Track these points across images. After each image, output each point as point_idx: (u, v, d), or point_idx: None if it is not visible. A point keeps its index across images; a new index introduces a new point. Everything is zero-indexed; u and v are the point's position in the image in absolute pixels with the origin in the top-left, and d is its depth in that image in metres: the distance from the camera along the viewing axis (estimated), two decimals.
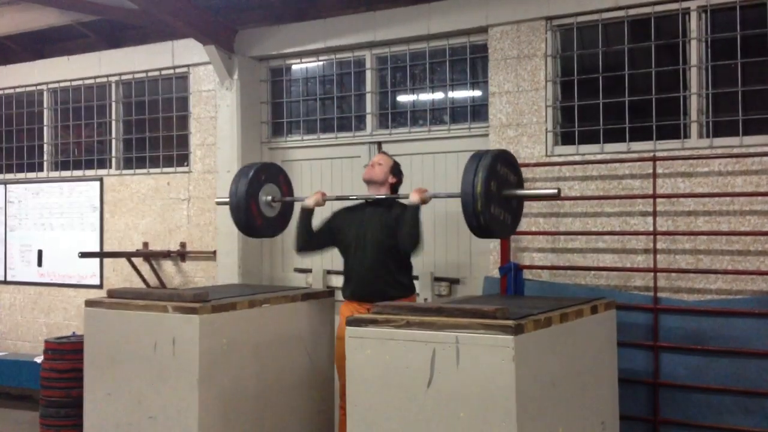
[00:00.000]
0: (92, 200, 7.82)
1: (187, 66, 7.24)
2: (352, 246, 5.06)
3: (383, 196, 5.08)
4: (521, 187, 4.62)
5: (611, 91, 5.47)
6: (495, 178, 4.26)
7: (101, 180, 7.78)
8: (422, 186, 5.23)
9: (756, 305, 4.87)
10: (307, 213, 5.21)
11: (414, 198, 4.83)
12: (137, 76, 7.57)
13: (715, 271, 5.01)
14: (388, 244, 4.93)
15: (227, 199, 5.37)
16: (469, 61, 6.10)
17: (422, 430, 3.56)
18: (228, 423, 4.51)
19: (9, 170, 8.48)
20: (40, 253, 8.17)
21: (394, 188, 5.20)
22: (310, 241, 5.23)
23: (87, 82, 7.87)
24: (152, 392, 4.46)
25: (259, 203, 5.36)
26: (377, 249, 4.94)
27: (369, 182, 5.18)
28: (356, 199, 5.22)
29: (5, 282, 8.40)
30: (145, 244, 7.42)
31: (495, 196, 4.26)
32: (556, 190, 4.47)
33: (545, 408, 3.67)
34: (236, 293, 4.97)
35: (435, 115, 6.29)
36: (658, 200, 5.17)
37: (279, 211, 5.52)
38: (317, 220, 5.29)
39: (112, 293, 4.85)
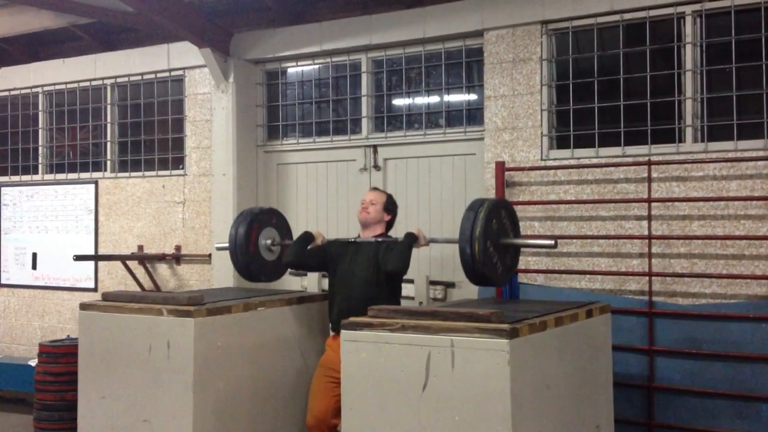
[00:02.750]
0: (87, 203, 7.81)
1: (183, 69, 7.24)
2: (342, 280, 4.95)
3: (379, 240, 4.97)
4: (518, 232, 4.62)
5: (606, 95, 5.48)
6: (492, 230, 4.26)
7: (96, 183, 7.77)
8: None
9: (750, 309, 4.88)
10: (307, 236, 5.15)
11: (414, 231, 4.84)
12: (132, 78, 7.56)
13: (710, 275, 5.02)
14: (376, 279, 4.84)
15: (227, 245, 5.31)
16: (465, 65, 6.11)
17: None
18: (222, 426, 4.50)
19: (4, 173, 8.46)
20: (34, 255, 8.15)
21: (389, 225, 5.15)
22: (301, 258, 5.09)
23: (82, 84, 7.86)
24: (147, 395, 4.45)
25: (259, 248, 5.31)
26: (368, 286, 4.83)
27: (364, 225, 5.10)
28: (354, 240, 5.11)
29: (0, 285, 8.38)
30: (140, 247, 7.41)
31: (492, 248, 4.26)
32: (552, 242, 4.45)
33: (540, 411, 3.67)
34: (231, 296, 4.96)
35: (431, 118, 6.30)
36: (653, 204, 5.18)
37: (278, 255, 5.43)
38: None
39: (106, 296, 4.84)
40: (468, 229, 4.16)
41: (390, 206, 5.13)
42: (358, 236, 5.13)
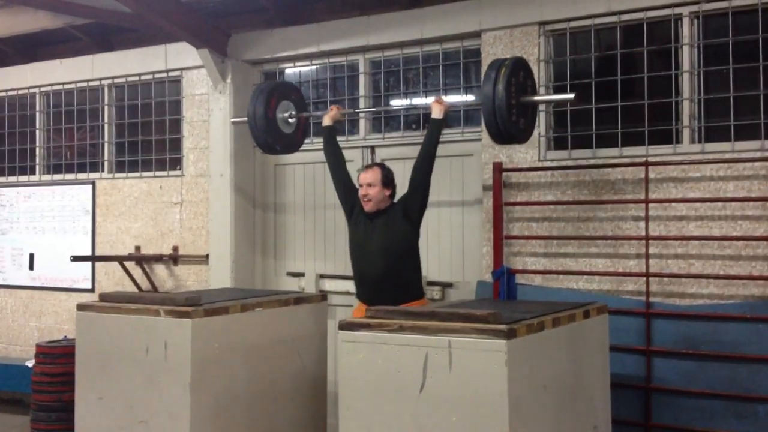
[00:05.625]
0: (84, 204, 7.80)
1: (180, 69, 7.23)
2: (362, 248, 5.09)
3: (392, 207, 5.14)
4: (535, 90, 4.96)
5: (604, 97, 5.48)
6: (513, 86, 4.61)
7: (93, 183, 7.76)
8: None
9: (747, 310, 4.89)
10: (329, 130, 5.47)
11: (436, 112, 5.07)
12: (130, 79, 7.56)
13: (707, 276, 5.03)
14: (396, 248, 4.98)
15: (245, 119, 5.63)
16: (463, 66, 6.11)
17: None
18: (220, 427, 4.49)
19: (1, 173, 8.46)
20: (31, 256, 8.14)
21: (392, 195, 5.19)
22: (337, 154, 5.43)
23: (80, 85, 7.85)
24: (144, 396, 4.44)
25: (278, 121, 5.61)
26: (387, 255, 4.96)
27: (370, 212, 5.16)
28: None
29: None
30: (138, 248, 7.40)
31: (513, 105, 4.62)
32: (572, 95, 4.91)
33: (537, 412, 3.67)
34: (229, 297, 4.95)
35: (428, 119, 6.28)
36: (651, 205, 5.18)
37: (296, 127, 5.77)
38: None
39: (104, 297, 4.83)
40: (490, 88, 4.52)
41: (387, 179, 5.15)
42: None
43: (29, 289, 8.13)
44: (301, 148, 6.76)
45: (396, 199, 5.17)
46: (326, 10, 6.64)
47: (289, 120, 5.71)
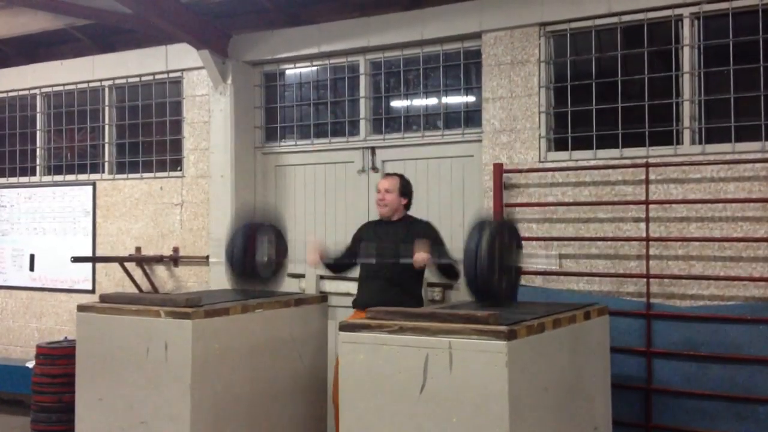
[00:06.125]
0: (85, 205, 7.80)
1: (181, 71, 7.23)
2: (372, 267, 5.17)
3: (405, 222, 5.21)
4: (520, 250, 4.67)
5: (604, 98, 5.48)
6: (497, 250, 4.29)
7: (94, 184, 7.76)
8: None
9: (748, 311, 4.89)
10: (327, 265, 5.38)
11: (419, 261, 4.91)
12: (131, 80, 7.56)
13: (708, 277, 5.02)
14: (406, 275, 5.05)
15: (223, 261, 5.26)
16: (463, 67, 6.11)
17: None
18: (220, 428, 4.49)
19: (1, 174, 8.45)
20: (32, 257, 8.14)
21: (407, 206, 5.31)
22: (342, 267, 5.40)
23: (80, 86, 7.85)
24: (144, 397, 4.44)
25: (256, 265, 5.21)
26: (393, 265, 5.03)
27: (385, 217, 5.27)
28: (381, 220, 5.30)
29: None
30: (138, 249, 7.40)
31: (496, 269, 4.29)
32: (556, 267, 4.65)
33: (538, 413, 3.67)
34: (229, 298, 4.95)
35: (428, 120, 6.30)
36: (651, 206, 5.18)
37: (274, 271, 5.37)
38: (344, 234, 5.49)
39: (104, 298, 4.83)
40: (473, 250, 4.19)
41: (405, 189, 5.28)
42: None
43: (30, 290, 8.13)
44: (302, 150, 6.80)
45: (413, 215, 5.32)
46: (327, 11, 6.64)
47: (268, 265, 5.29)
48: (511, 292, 4.61)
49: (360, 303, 5.19)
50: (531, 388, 3.60)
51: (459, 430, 3.46)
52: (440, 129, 6.20)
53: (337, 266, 5.41)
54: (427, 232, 5.15)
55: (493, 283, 4.27)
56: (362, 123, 6.51)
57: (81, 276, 7.75)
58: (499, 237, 4.33)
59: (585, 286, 5.43)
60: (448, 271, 5.00)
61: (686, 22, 5.22)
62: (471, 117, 6.09)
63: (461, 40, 6.05)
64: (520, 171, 5.61)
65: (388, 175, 5.48)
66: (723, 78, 5.12)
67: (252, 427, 4.73)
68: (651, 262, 5.17)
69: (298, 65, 6.87)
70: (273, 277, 5.37)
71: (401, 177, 5.33)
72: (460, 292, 5.98)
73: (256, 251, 5.20)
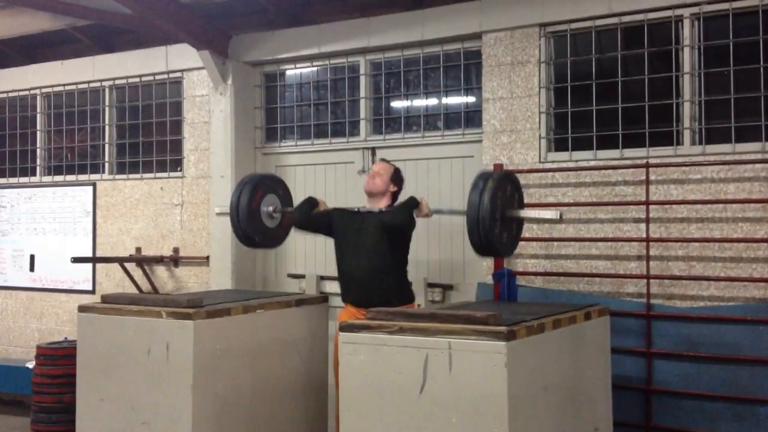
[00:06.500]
0: (85, 205, 7.80)
1: (181, 71, 7.24)
2: (350, 250, 5.05)
3: (383, 210, 5.05)
4: (523, 205, 4.71)
5: (604, 98, 5.48)
6: (500, 199, 4.34)
7: (94, 185, 7.76)
8: (417, 193, 5.25)
9: (748, 312, 4.89)
10: (311, 201, 5.34)
11: (418, 210, 4.93)
12: (131, 80, 7.56)
13: (708, 278, 5.03)
14: (386, 250, 4.95)
15: (227, 210, 5.33)
16: (463, 68, 6.11)
17: None
18: (222, 428, 4.50)
19: (2, 175, 8.45)
20: (32, 257, 8.14)
21: (395, 196, 5.20)
22: (307, 218, 5.27)
23: (80, 86, 7.86)
24: (145, 398, 4.45)
25: (261, 214, 5.32)
26: (376, 256, 4.94)
27: (370, 194, 5.17)
28: (359, 209, 5.18)
29: None
30: (138, 250, 7.40)
31: (499, 218, 4.34)
32: (557, 216, 4.58)
33: (538, 414, 3.67)
34: (230, 299, 4.96)
35: (429, 121, 6.30)
36: (651, 207, 5.18)
37: (279, 222, 5.47)
38: None
39: (105, 299, 4.84)
40: (476, 200, 4.26)
41: (397, 178, 5.21)
42: (364, 207, 5.19)
43: (30, 290, 8.13)
44: (302, 150, 6.80)
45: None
46: (327, 11, 6.64)
47: (273, 215, 5.40)
48: (512, 244, 4.69)
49: (349, 299, 5.07)
50: (531, 389, 3.60)
51: (459, 430, 3.46)
52: (440, 129, 6.20)
53: (312, 218, 5.28)
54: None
55: (495, 233, 4.33)
56: (362, 123, 6.51)
57: (81, 276, 7.76)
58: (502, 188, 4.39)
59: (585, 286, 5.44)
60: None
61: (686, 22, 5.22)
62: (471, 117, 6.09)
63: (461, 40, 6.05)
64: (520, 171, 5.61)
65: (384, 160, 5.42)
66: (723, 78, 5.13)
67: (253, 427, 4.74)
68: (651, 262, 5.18)
69: (298, 66, 6.87)
70: (276, 229, 5.45)
71: (397, 168, 5.25)
72: (461, 293, 5.99)
73: (261, 203, 5.32)
